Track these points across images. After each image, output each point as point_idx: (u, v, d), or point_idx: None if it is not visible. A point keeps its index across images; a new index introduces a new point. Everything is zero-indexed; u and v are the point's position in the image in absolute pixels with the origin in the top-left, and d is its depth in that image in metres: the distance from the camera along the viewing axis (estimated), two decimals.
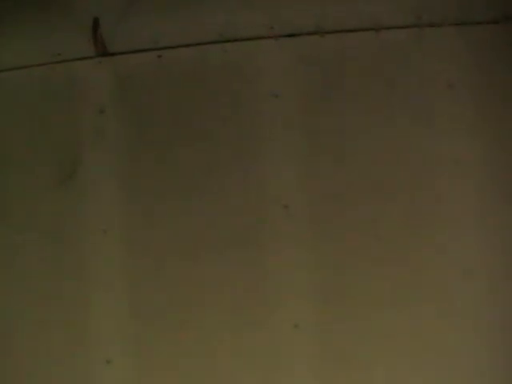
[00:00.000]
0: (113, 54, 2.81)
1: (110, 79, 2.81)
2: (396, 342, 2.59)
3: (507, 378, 2.56)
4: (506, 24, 2.72)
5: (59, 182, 2.78)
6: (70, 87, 2.83)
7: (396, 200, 2.67)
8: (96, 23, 2.72)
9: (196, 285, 2.67)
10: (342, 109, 2.73)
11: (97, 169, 2.79)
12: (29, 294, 2.73)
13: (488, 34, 2.72)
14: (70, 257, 2.74)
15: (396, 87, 2.72)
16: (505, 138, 2.68)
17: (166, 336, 2.66)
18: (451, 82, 2.71)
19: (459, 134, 2.69)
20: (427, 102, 2.71)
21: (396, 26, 2.73)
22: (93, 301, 2.71)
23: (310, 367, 2.61)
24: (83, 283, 2.72)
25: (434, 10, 2.74)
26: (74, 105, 2.82)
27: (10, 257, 2.77)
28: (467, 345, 2.58)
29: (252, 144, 2.74)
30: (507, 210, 2.64)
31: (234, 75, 2.77)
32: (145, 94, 2.80)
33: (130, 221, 2.75)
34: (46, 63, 2.84)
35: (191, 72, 2.79)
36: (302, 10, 2.76)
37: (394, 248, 2.64)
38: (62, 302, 2.71)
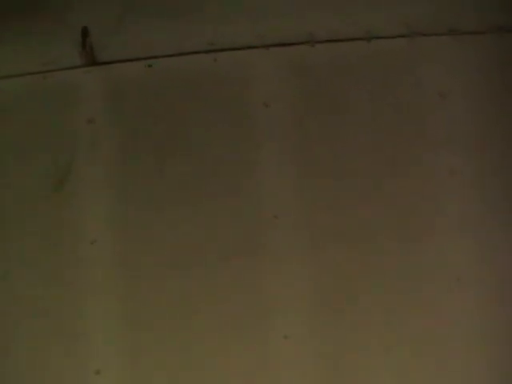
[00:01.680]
0: (103, 64, 2.81)
1: (100, 88, 2.81)
2: (388, 351, 2.58)
3: (501, 381, 2.55)
4: (499, 34, 2.72)
5: (50, 190, 2.77)
6: (62, 96, 2.82)
7: (390, 210, 2.66)
8: (85, 32, 2.72)
9: (186, 296, 2.66)
10: (333, 119, 2.72)
11: (87, 177, 2.77)
12: (17, 303, 2.71)
13: (481, 44, 2.72)
14: (60, 266, 2.72)
15: (388, 97, 2.72)
16: (499, 148, 2.68)
17: (155, 347, 2.64)
18: (444, 92, 2.71)
19: (453, 143, 2.69)
20: (420, 111, 2.71)
21: (388, 36, 2.73)
22: (82, 311, 2.68)
23: (300, 378, 2.58)
24: (72, 293, 2.70)
25: (426, 20, 2.74)
26: (65, 114, 2.81)
27: None
28: (462, 352, 2.57)
29: (242, 153, 2.73)
30: (502, 219, 2.63)
31: (224, 84, 2.77)
32: (135, 103, 2.79)
33: (120, 230, 2.74)
34: (38, 72, 2.83)
35: (181, 81, 2.78)
36: (293, 19, 2.76)
37: (388, 257, 2.63)
38: (51, 313, 2.69)
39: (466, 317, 2.58)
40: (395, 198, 2.66)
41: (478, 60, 2.72)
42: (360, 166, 2.69)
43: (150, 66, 2.79)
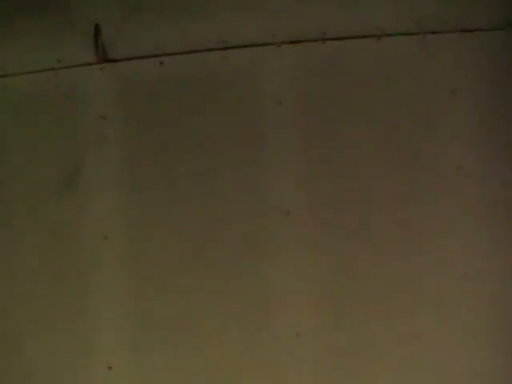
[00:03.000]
0: (114, 61, 2.81)
1: (112, 86, 2.81)
2: (397, 348, 2.59)
3: (507, 380, 2.56)
4: (509, 30, 2.72)
5: (60, 187, 2.78)
6: (72, 93, 2.83)
7: (397, 206, 2.67)
8: (97, 30, 2.73)
9: (196, 292, 2.67)
10: (344, 115, 2.73)
11: (98, 174, 2.78)
12: (29, 300, 2.73)
13: (491, 41, 2.71)
14: (71, 263, 2.74)
15: (398, 94, 2.72)
16: (506, 145, 2.68)
17: (166, 343, 2.67)
18: (454, 89, 2.70)
19: (461, 140, 2.69)
20: (430, 108, 2.71)
21: (398, 33, 2.73)
22: (93, 307, 2.71)
23: (312, 375, 2.61)
24: (84, 289, 2.72)
25: (437, 17, 2.73)
26: (76, 111, 2.82)
27: (10, 262, 2.77)
28: (467, 349, 2.58)
29: (254, 150, 2.73)
30: (507, 216, 2.64)
31: (235, 82, 2.76)
32: (146, 101, 2.79)
33: (130, 227, 2.75)
34: (48, 69, 2.83)
35: (193, 79, 2.78)
36: (304, 16, 2.76)
37: (395, 254, 2.64)
38: (62, 308, 2.71)
39: (472, 313, 2.58)
40: (403, 194, 2.67)
41: (488, 57, 2.71)
42: (370, 163, 2.69)
43: (161, 63, 2.80)
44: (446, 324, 2.59)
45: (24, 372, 2.70)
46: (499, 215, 2.64)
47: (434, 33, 2.72)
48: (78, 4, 2.84)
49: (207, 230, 2.71)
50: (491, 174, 2.67)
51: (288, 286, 2.65)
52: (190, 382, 2.64)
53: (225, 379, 2.63)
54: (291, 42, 2.75)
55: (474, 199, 2.66)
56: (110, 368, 2.66)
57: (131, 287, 2.71)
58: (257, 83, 2.75)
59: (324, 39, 2.74)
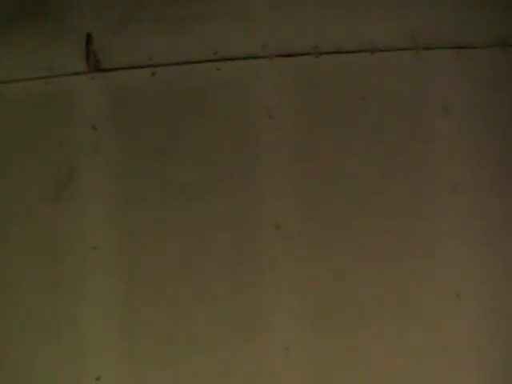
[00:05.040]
0: (106, 70, 2.80)
1: (104, 95, 2.80)
2: (387, 363, 2.59)
3: None
4: (503, 48, 2.71)
5: (51, 197, 2.77)
6: (64, 102, 2.82)
7: (391, 222, 2.67)
8: (89, 39, 2.71)
9: (186, 303, 2.67)
10: (336, 130, 2.72)
11: (89, 184, 2.77)
12: (18, 309, 2.72)
13: (484, 58, 2.72)
14: (60, 272, 2.73)
15: (392, 110, 2.72)
16: (501, 162, 2.68)
17: (154, 353, 2.66)
18: (448, 105, 2.70)
19: (456, 157, 2.69)
20: (424, 124, 2.71)
21: (393, 49, 2.73)
22: (82, 317, 2.70)
23: None
24: (73, 299, 2.71)
25: (431, 33, 2.73)
26: (68, 120, 2.81)
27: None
28: (457, 366, 2.58)
29: (245, 163, 2.73)
30: (502, 233, 2.64)
31: (227, 94, 2.76)
32: (138, 111, 2.79)
33: (120, 237, 2.74)
34: (41, 78, 2.82)
35: (185, 90, 2.78)
36: (298, 30, 2.75)
37: (388, 269, 2.64)
38: (51, 319, 2.71)
39: (466, 334, 2.59)
40: (396, 211, 2.67)
41: (482, 74, 2.71)
42: (362, 178, 2.69)
43: (153, 74, 2.79)
44: (438, 342, 2.59)
45: (13, 381, 2.70)
46: (494, 233, 2.64)
47: (427, 49, 2.72)
48: (70, 13, 2.83)
49: (197, 241, 2.70)
50: (485, 191, 2.67)
51: (278, 300, 2.64)
52: None
53: None
54: (284, 56, 2.74)
55: (469, 217, 2.66)
56: (98, 379, 2.66)
57: (120, 298, 2.70)
58: (248, 96, 2.75)
59: (317, 53, 2.74)
